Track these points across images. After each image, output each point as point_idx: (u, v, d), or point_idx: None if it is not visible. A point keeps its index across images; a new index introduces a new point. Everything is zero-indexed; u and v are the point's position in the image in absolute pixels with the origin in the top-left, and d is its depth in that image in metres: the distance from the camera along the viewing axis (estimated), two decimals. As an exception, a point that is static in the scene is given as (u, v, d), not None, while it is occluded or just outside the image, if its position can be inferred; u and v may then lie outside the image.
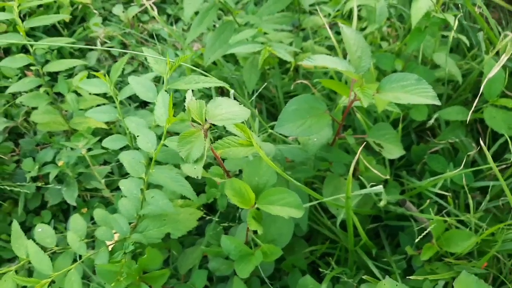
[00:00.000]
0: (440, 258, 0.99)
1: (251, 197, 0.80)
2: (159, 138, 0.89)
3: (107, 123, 1.37)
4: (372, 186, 1.07)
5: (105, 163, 1.41)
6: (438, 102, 0.75)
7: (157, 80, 1.61)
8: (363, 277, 0.87)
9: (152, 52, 0.98)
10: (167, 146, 0.84)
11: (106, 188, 1.27)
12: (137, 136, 0.90)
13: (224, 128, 0.84)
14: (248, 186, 0.80)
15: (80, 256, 0.91)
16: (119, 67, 1.11)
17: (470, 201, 0.99)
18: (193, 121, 0.72)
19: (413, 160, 1.27)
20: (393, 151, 1.01)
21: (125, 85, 1.55)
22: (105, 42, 1.77)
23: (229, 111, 0.71)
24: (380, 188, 0.88)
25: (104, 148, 1.33)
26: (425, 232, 0.97)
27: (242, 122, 0.74)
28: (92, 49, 1.75)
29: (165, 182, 0.87)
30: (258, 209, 0.82)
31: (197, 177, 0.70)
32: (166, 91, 0.93)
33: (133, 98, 1.59)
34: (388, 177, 1.03)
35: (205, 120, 0.71)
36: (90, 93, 1.30)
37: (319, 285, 0.87)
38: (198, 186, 1.12)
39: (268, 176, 0.83)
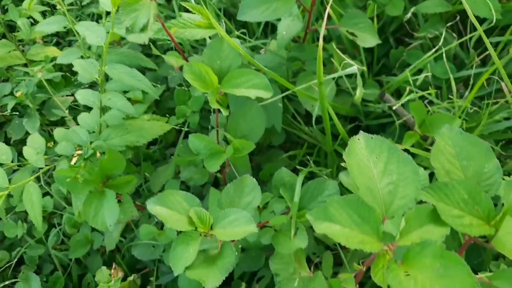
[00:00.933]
0: (425, 149, 0.94)
1: (213, 80, 0.73)
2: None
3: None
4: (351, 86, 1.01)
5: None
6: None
7: None
8: (341, 164, 0.81)
9: None
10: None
11: (70, 117, 1.19)
12: (86, 35, 0.82)
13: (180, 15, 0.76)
14: (209, 69, 0.73)
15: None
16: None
17: (453, 86, 0.93)
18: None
19: (392, 66, 1.21)
20: (368, 39, 0.94)
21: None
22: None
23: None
24: (354, 69, 0.81)
25: (65, 78, 1.25)
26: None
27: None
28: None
29: (120, 77, 0.79)
30: (225, 94, 0.75)
31: (144, 42, 0.63)
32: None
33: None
34: (364, 68, 0.97)
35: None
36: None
37: (296, 176, 0.81)
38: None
39: (231, 59, 0.76)
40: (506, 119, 0.92)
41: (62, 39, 1.47)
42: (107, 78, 0.86)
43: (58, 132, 0.93)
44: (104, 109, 0.91)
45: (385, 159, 0.57)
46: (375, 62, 1.17)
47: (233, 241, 0.76)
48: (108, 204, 0.79)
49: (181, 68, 0.83)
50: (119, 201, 0.86)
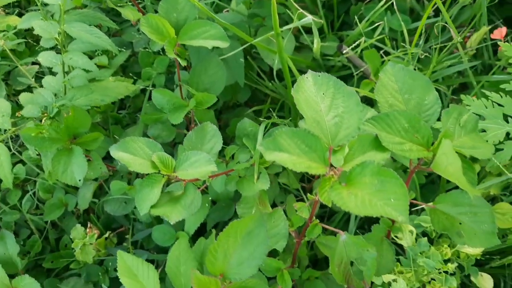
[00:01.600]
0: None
1: (170, 32, 0.75)
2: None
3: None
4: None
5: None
6: None
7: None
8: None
9: None
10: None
11: (36, 85, 1.19)
12: (44, -5, 0.83)
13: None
14: (166, 21, 0.75)
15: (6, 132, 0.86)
16: None
17: (406, 35, 0.97)
18: None
19: (352, 22, 1.24)
20: (324, -8, 0.96)
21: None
22: None
23: None
24: (309, 19, 0.84)
25: (29, 48, 1.24)
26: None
27: None
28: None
29: (80, 35, 0.80)
30: (183, 46, 0.77)
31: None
32: None
33: None
34: (321, 21, 1.00)
35: None
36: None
37: (257, 125, 0.85)
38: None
39: (187, 11, 0.78)
40: (454, 65, 0.97)
41: (24, 9, 1.45)
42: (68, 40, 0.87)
43: (23, 96, 0.94)
44: (68, 72, 0.92)
45: (332, 95, 0.61)
46: (335, 18, 1.20)
47: (198, 185, 0.80)
48: (76, 160, 0.81)
49: (138, 21, 0.85)
50: (88, 160, 0.89)
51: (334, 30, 1.22)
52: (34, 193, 1.13)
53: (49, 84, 0.92)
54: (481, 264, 0.96)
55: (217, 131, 0.74)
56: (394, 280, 0.67)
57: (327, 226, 0.71)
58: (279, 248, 0.71)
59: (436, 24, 0.95)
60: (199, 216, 0.94)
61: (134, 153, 0.66)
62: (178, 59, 0.73)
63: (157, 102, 0.85)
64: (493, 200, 0.98)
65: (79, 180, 0.81)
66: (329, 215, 1.07)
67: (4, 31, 1.20)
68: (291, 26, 0.85)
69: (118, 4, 1.00)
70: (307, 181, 1.04)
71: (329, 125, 0.59)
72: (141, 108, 1.25)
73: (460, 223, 0.67)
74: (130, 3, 0.93)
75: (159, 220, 1.04)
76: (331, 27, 1.20)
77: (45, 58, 0.88)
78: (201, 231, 1.03)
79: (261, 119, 0.96)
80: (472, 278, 0.82)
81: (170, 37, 0.74)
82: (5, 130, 0.86)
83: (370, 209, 0.49)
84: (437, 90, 1.00)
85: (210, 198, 0.94)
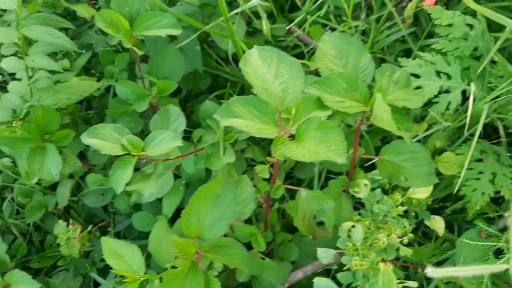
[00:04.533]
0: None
1: (124, 24, 0.80)
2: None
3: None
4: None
5: None
6: None
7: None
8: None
9: None
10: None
11: (2, 94, 1.22)
12: (-1, 2, 0.86)
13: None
14: (119, 14, 0.80)
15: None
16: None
17: (348, 10, 1.05)
18: None
19: (302, 4, 1.32)
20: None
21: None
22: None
23: None
24: (254, 2, 0.91)
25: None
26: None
27: None
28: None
29: (40, 37, 0.84)
30: (141, 39, 0.83)
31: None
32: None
33: None
34: (268, 4, 1.07)
35: None
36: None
37: (219, 106, 0.91)
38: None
39: (138, 4, 0.83)
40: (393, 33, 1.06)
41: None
42: (28, 43, 0.91)
43: (-11, 103, 0.97)
44: (32, 77, 0.96)
45: (276, 64, 0.68)
46: (284, 2, 1.27)
47: (168, 166, 0.86)
48: (50, 157, 0.86)
49: (93, 18, 0.89)
50: (63, 158, 0.93)
51: (284, 12, 1.29)
52: (13, 199, 1.16)
53: (15, 89, 0.95)
54: (437, 212, 1.06)
55: (180, 112, 0.80)
56: (353, 226, 0.75)
57: (289, 186, 0.78)
58: (249, 211, 0.78)
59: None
60: (175, 199, 1.00)
61: (104, 138, 0.71)
62: (135, 49, 0.78)
63: (121, 93, 0.90)
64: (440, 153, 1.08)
65: (56, 175, 0.85)
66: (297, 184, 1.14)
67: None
68: (238, 10, 0.92)
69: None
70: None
71: (276, 92, 0.66)
72: (107, 106, 1.30)
73: (403, 168, 0.75)
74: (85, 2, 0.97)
75: (137, 210, 1.09)
76: (281, 10, 1.27)
77: (8, 64, 0.92)
78: (178, 216, 1.09)
79: (223, 101, 1.03)
80: (426, 222, 0.91)
81: (125, 29, 0.79)
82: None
83: (315, 156, 0.57)
84: (383, 58, 1.09)
85: (183, 182, 1.00)
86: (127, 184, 0.70)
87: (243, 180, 0.79)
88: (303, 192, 0.75)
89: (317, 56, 0.72)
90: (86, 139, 0.70)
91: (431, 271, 0.45)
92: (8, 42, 0.87)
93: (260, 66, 0.67)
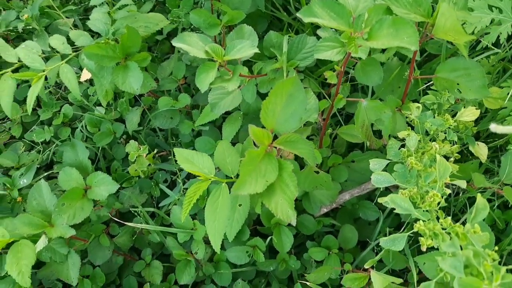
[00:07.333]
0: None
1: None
2: None
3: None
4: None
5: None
6: None
7: None
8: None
9: None
10: None
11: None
12: None
13: None
14: None
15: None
16: None
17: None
18: None
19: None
20: None
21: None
22: None
23: None
24: None
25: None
26: None
27: None
28: None
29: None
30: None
31: None
32: None
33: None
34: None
35: None
36: None
37: (282, 36, 1.00)
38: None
39: None
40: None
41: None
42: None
43: (73, 33, 1.08)
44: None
45: (349, -21, 0.76)
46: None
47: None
48: (132, 73, 0.96)
49: None
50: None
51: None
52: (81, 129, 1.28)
53: (97, 19, 1.06)
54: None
55: (252, 31, 0.89)
56: (408, 135, 0.83)
57: (350, 99, 0.86)
58: (312, 120, 0.86)
59: None
60: (234, 126, 1.10)
61: (190, 44, 0.81)
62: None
63: (194, 21, 1.00)
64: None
65: (137, 89, 0.95)
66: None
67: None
68: None
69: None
70: (327, 86, 1.18)
71: (350, 1, 0.74)
72: (167, 53, 1.41)
73: (458, 84, 0.82)
74: None
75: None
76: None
77: (95, -3, 1.02)
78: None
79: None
80: (470, 148, 0.98)
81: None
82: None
83: (389, 45, 0.65)
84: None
85: (242, 113, 1.09)
86: (211, 83, 0.79)
87: (308, 92, 0.87)
88: (363, 101, 0.83)
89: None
90: (177, 43, 0.80)
91: (495, 127, 0.52)
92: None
93: (334, -21, 0.75)
